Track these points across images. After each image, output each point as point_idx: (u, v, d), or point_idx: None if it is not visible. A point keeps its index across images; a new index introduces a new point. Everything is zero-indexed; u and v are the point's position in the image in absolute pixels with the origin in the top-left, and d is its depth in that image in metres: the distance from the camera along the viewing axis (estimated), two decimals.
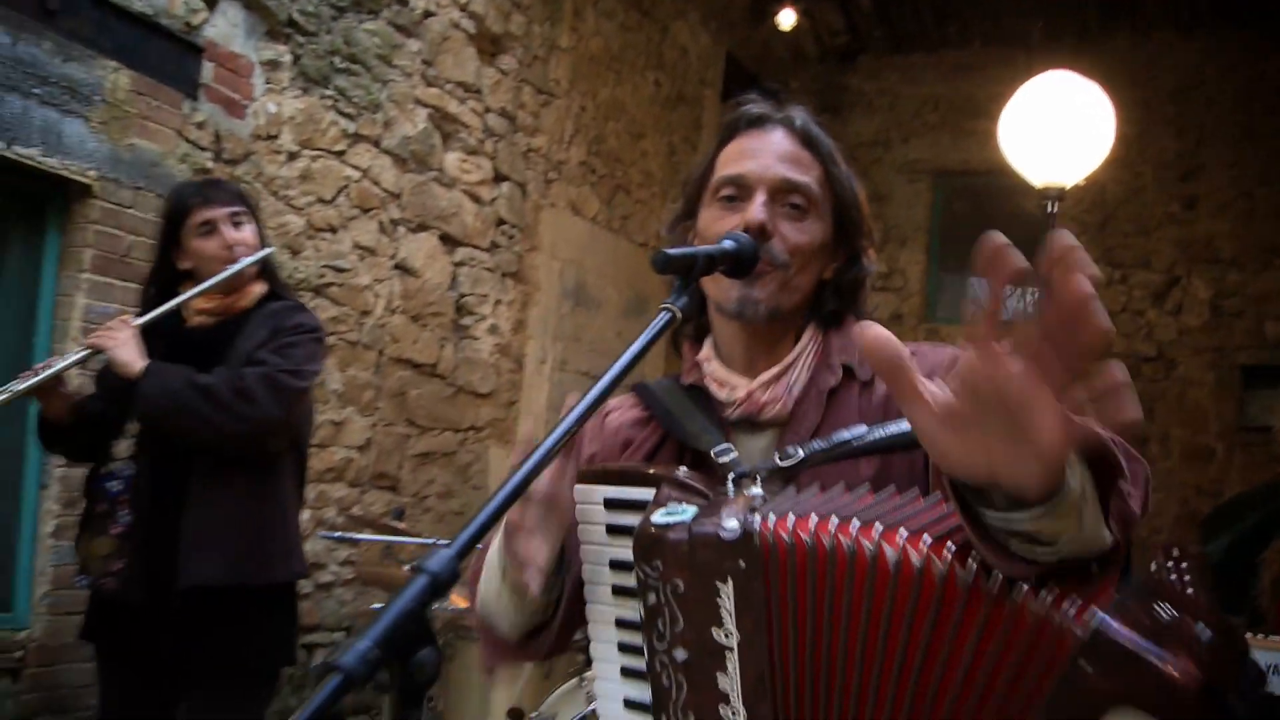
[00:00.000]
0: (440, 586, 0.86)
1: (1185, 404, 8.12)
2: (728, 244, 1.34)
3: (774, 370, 1.46)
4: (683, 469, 1.28)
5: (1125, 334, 8.31)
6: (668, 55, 7.92)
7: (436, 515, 5.76)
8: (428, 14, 5.52)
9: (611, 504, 1.28)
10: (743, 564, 1.13)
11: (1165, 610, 0.96)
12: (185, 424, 2.59)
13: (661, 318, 1.19)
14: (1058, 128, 4.83)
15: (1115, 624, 0.93)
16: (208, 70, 4.34)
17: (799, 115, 1.51)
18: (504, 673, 3.82)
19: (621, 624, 1.27)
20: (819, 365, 1.47)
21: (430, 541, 3.96)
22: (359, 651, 0.79)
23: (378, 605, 4.21)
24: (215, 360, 2.68)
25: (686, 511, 1.18)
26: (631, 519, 1.23)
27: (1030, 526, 0.92)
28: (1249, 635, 4.00)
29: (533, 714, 3.45)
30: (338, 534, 4.39)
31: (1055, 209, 4.93)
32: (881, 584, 1.06)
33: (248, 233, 2.81)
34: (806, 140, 1.49)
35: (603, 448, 1.54)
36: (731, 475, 1.29)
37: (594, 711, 3.12)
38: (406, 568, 3.84)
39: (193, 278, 2.78)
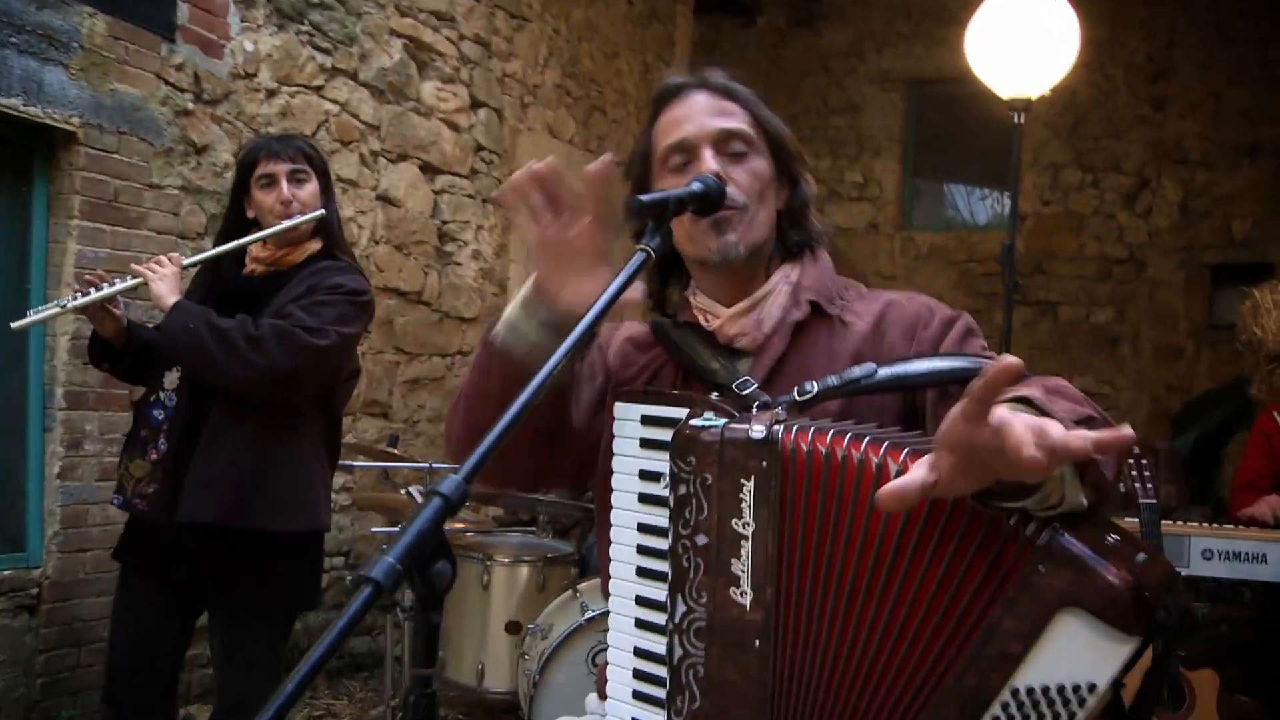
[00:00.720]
0: (453, 507, 1.02)
1: (1155, 304, 8.29)
2: (695, 185, 1.50)
3: (742, 304, 1.64)
4: (714, 394, 1.46)
5: (1096, 237, 8.44)
6: None
7: (428, 439, 5.93)
8: None
9: (648, 420, 1.45)
10: (764, 463, 1.30)
11: (1111, 536, 1.14)
12: (197, 361, 2.73)
13: (637, 257, 1.34)
14: (1022, 39, 4.91)
15: (1068, 537, 1.12)
16: (183, 11, 4.38)
17: (714, 74, 1.69)
18: (501, 581, 4.01)
19: (643, 528, 1.45)
20: (790, 300, 1.65)
21: (424, 465, 4.13)
22: (387, 564, 0.95)
23: (376, 529, 4.39)
24: (258, 309, 2.82)
25: (720, 420, 1.36)
26: (665, 434, 1.40)
27: (1028, 506, 1.12)
28: (1213, 525, 4.21)
29: (529, 625, 3.65)
30: None
31: (1022, 120, 5.03)
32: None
33: (307, 191, 2.92)
34: (728, 93, 1.67)
35: (615, 354, 1.74)
36: (756, 404, 1.47)
37: (589, 621, 3.33)
38: (405, 491, 4.00)
39: (258, 226, 2.93)
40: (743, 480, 1.31)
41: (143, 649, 2.86)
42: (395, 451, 4.29)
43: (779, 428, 1.31)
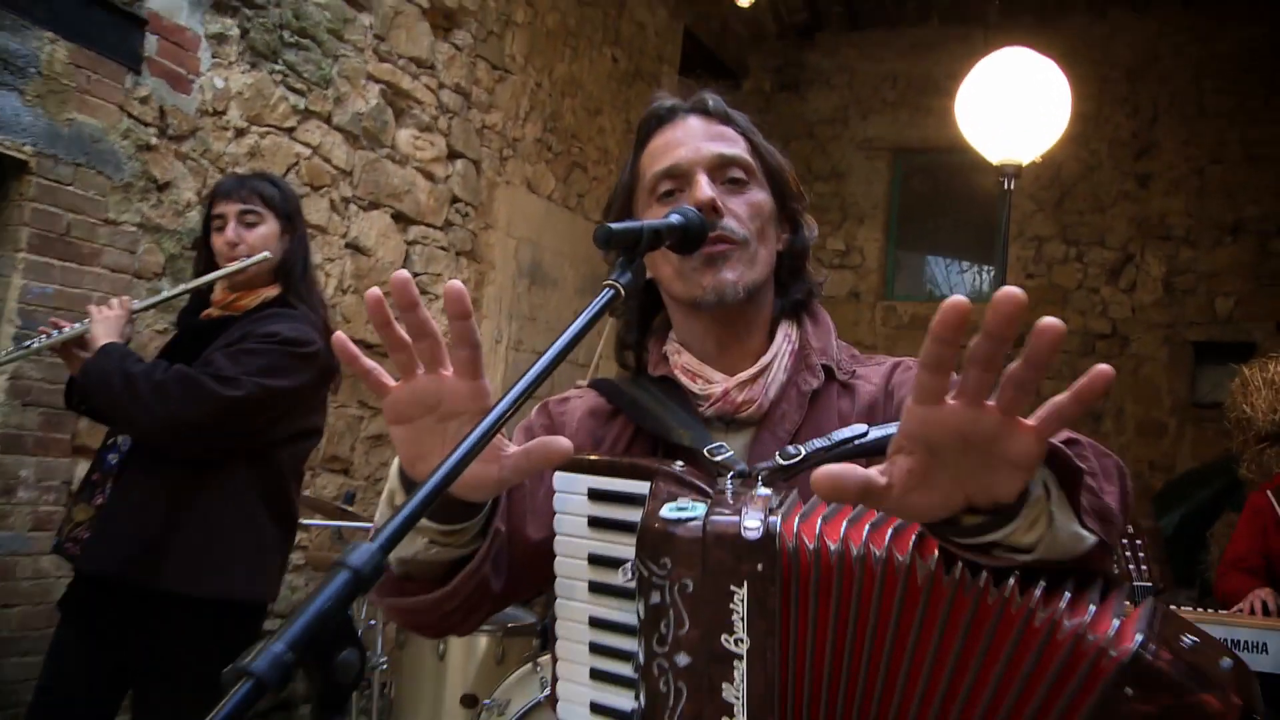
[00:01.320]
0: (363, 582, 0.81)
1: (1139, 380, 8.18)
2: (674, 218, 1.28)
3: (752, 370, 1.42)
4: (679, 463, 1.21)
5: (1080, 311, 8.35)
6: (625, 30, 7.84)
7: None
8: None
9: (597, 495, 1.21)
10: (761, 567, 1.07)
11: (1187, 637, 0.96)
12: (103, 406, 2.65)
13: (604, 294, 1.11)
14: (1014, 104, 4.81)
15: (1153, 648, 0.92)
16: (151, 43, 4.22)
17: (710, 98, 1.50)
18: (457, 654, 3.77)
19: (597, 623, 1.21)
20: (797, 364, 1.45)
21: None
22: (273, 654, 0.73)
23: None
24: (202, 352, 2.69)
25: (697, 508, 1.12)
26: (618, 512, 1.18)
27: (1006, 539, 0.93)
28: (1199, 610, 4.04)
29: (486, 700, 3.41)
30: None
31: (1012, 186, 4.92)
32: (913, 596, 1.02)
33: (256, 233, 2.80)
34: (724, 118, 1.48)
35: (577, 435, 1.48)
36: (731, 474, 1.24)
37: (549, 698, 3.09)
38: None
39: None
40: (733, 587, 1.08)
41: (64, 713, 2.65)
42: (351, 509, 4.06)
43: (775, 519, 1.08)
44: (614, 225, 1.18)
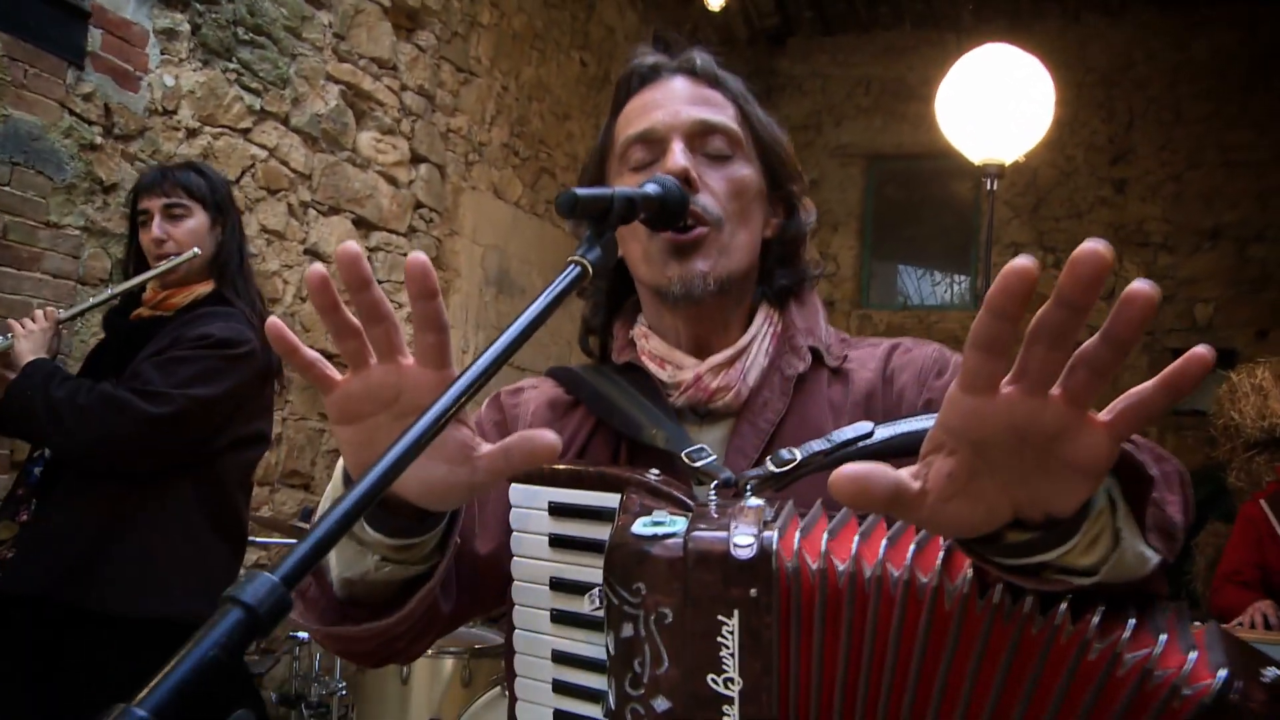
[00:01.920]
0: (260, 624, 0.62)
1: (1118, 387, 7.97)
2: (650, 187, 1.10)
3: (727, 353, 1.23)
4: (654, 471, 1.03)
5: None
6: (594, 34, 7.68)
7: None
8: None
9: (559, 510, 1.04)
10: (755, 592, 0.88)
11: (1269, 670, 0.80)
12: (26, 430, 2.51)
13: (570, 270, 0.93)
14: (996, 102, 4.67)
15: (1240, 686, 0.77)
16: (95, 37, 4.01)
17: (699, 56, 1.30)
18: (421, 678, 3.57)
19: (561, 658, 1.03)
20: (779, 347, 1.26)
21: None
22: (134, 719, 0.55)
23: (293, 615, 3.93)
24: (133, 358, 2.54)
25: (676, 522, 0.93)
26: (584, 529, 1.00)
27: (1060, 559, 0.77)
28: (1201, 625, 3.89)
29: None
30: None
31: (994, 186, 4.77)
32: (941, 625, 0.84)
33: (183, 228, 2.65)
34: (713, 81, 1.29)
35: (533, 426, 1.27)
36: (715, 483, 1.05)
37: None
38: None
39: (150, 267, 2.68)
40: (721, 617, 0.89)
41: None
42: (308, 527, 3.85)
43: (771, 535, 0.89)
44: (580, 190, 0.99)
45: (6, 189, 3.68)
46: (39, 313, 2.63)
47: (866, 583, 0.86)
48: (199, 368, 2.47)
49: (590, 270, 0.94)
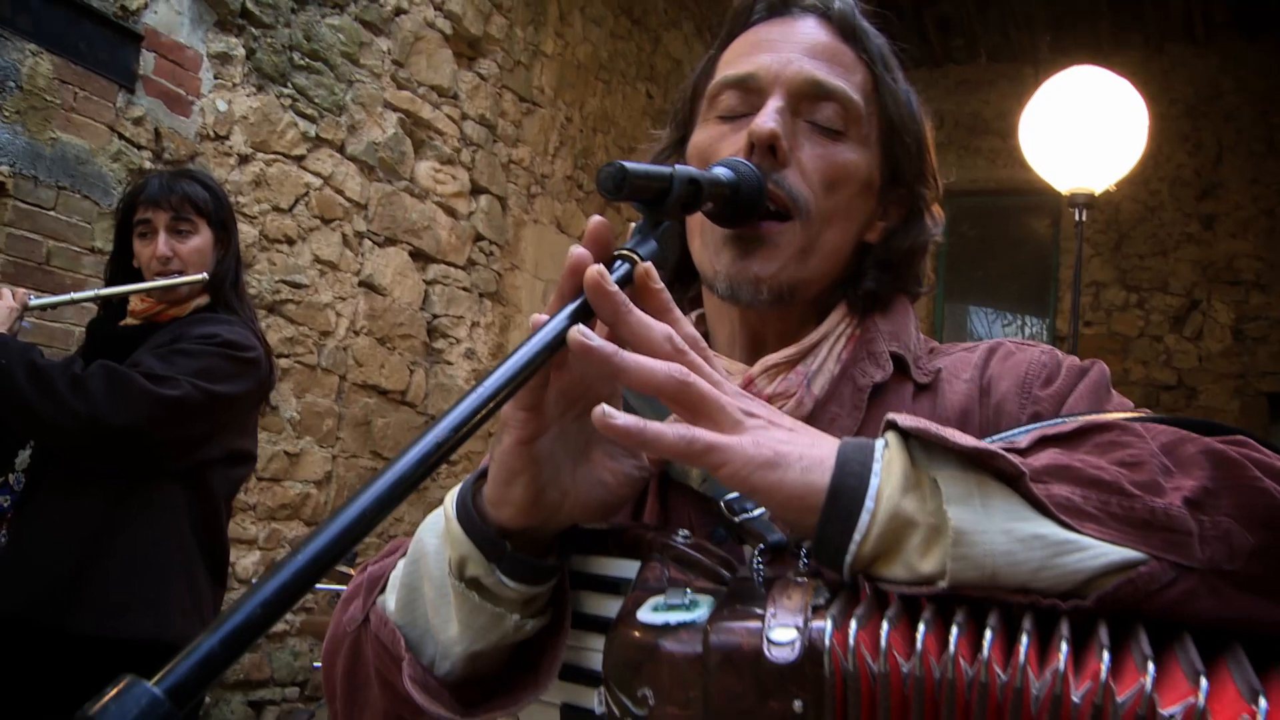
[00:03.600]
0: None
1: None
2: (721, 171, 0.88)
3: (787, 352, 0.97)
4: (683, 533, 0.79)
5: (1143, 361, 7.89)
6: (659, 66, 7.52)
7: None
8: (399, 11, 5.10)
9: (574, 581, 0.82)
10: (799, 706, 0.65)
11: None
12: (6, 404, 2.22)
13: (617, 267, 0.74)
14: (1084, 128, 4.41)
15: None
16: (148, 60, 3.90)
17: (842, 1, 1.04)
18: None
19: None
20: (855, 352, 0.99)
21: None
22: None
23: None
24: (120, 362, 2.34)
25: (697, 606, 0.70)
26: (595, 604, 0.79)
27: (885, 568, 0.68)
28: None
29: None
30: None
31: (1083, 217, 4.48)
32: None
33: (190, 245, 2.50)
34: (848, 33, 1.02)
35: None
36: (760, 547, 0.80)
37: None
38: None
39: (141, 275, 2.52)
40: None
41: None
42: (352, 571, 3.65)
43: (823, 626, 0.65)
44: (631, 165, 0.77)
45: (52, 213, 3.57)
46: (7, 290, 2.46)
47: (958, 685, 0.63)
48: (205, 362, 2.33)
49: (640, 264, 0.76)
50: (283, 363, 4.42)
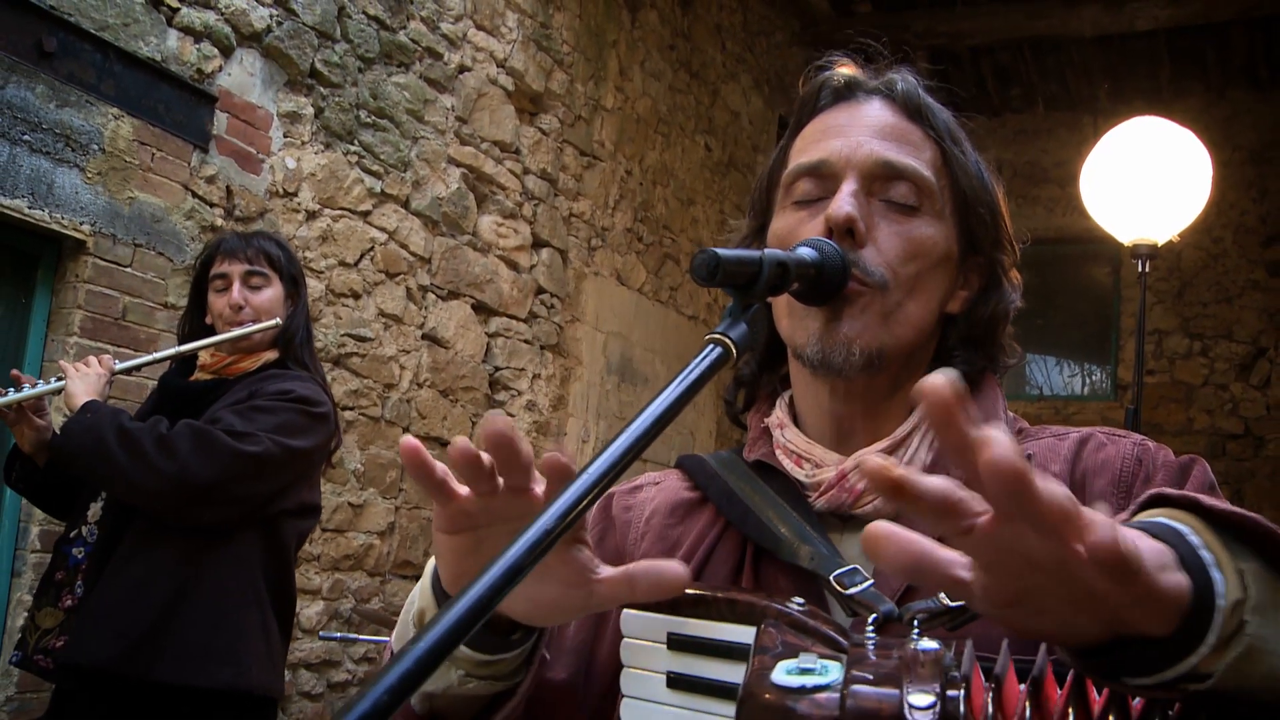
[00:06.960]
0: None
1: (1278, 484, 7.53)
2: (805, 251, 0.91)
3: (879, 446, 0.99)
4: (797, 601, 0.82)
5: (1208, 410, 7.77)
6: (719, 118, 7.59)
7: None
8: (462, 69, 5.21)
9: (680, 644, 0.84)
10: None
11: None
12: (96, 466, 2.30)
13: (709, 351, 0.76)
14: (1146, 179, 4.38)
15: None
16: (221, 121, 4.02)
17: (901, 79, 1.07)
18: None
19: None
20: None
21: None
22: None
23: None
24: (195, 417, 2.41)
25: (829, 670, 0.71)
26: (711, 669, 0.80)
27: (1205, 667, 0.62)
28: None
29: None
30: (337, 635, 3.91)
31: (1146, 269, 4.45)
32: None
33: (263, 296, 2.59)
34: (913, 112, 1.05)
35: (634, 542, 1.07)
36: (873, 617, 0.82)
37: None
38: None
39: (215, 331, 2.61)
40: None
41: None
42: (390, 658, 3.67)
43: (957, 695, 0.68)
44: (723, 252, 0.80)
45: (128, 270, 3.67)
46: (93, 358, 2.55)
47: None
48: (283, 419, 2.39)
49: (735, 350, 0.78)
50: (347, 415, 4.49)
